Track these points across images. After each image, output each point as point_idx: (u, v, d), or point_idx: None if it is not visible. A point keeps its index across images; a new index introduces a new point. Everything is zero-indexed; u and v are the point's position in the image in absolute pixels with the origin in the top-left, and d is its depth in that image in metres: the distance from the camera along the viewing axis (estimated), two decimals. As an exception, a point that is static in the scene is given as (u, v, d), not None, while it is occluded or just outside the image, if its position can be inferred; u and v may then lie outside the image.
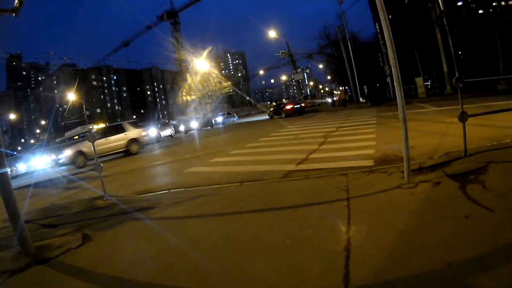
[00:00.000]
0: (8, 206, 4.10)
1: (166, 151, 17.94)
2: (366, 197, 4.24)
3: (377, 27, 32.87)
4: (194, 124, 39.72)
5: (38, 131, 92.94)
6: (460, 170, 4.55)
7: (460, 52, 33.02)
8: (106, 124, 39.74)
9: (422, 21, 33.20)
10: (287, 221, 3.94)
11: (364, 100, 33.22)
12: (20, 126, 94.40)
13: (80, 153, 17.67)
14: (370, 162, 6.59)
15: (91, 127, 35.10)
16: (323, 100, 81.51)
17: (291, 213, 4.18)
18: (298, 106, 33.58)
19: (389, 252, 2.74)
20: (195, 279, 2.92)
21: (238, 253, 3.28)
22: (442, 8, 24.76)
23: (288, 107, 33.70)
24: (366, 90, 30.69)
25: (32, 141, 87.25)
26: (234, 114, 56.73)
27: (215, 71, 65.30)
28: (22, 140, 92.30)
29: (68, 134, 36.83)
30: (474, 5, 44.30)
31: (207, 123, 41.76)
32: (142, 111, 75.34)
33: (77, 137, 33.27)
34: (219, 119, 48.64)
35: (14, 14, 4.37)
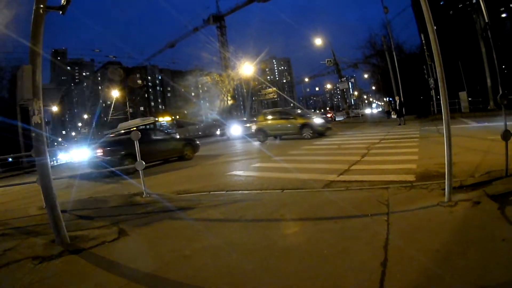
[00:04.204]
0: (46, 195, 4.25)
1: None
2: (406, 213, 4.18)
3: (423, 38, 31.86)
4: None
5: (80, 124, 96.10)
6: (500, 190, 4.42)
7: (504, 66, 31.81)
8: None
9: (466, 33, 32.21)
10: (326, 231, 3.93)
11: (395, 116, 28.18)
12: (62, 119, 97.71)
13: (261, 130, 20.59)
14: (411, 177, 6.45)
15: (156, 119, 34.36)
16: (366, 111, 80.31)
17: (331, 224, 4.17)
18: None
19: (424, 271, 2.73)
20: (229, 282, 2.95)
21: (274, 260, 3.29)
22: (486, 20, 23.80)
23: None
24: (398, 102, 25.58)
25: (73, 133, 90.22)
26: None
27: (260, 78, 65.06)
28: (64, 132, 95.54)
29: (122, 125, 36.75)
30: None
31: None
32: (185, 111, 76.43)
33: (134, 129, 33.34)
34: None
35: (61, 12, 4.47)
